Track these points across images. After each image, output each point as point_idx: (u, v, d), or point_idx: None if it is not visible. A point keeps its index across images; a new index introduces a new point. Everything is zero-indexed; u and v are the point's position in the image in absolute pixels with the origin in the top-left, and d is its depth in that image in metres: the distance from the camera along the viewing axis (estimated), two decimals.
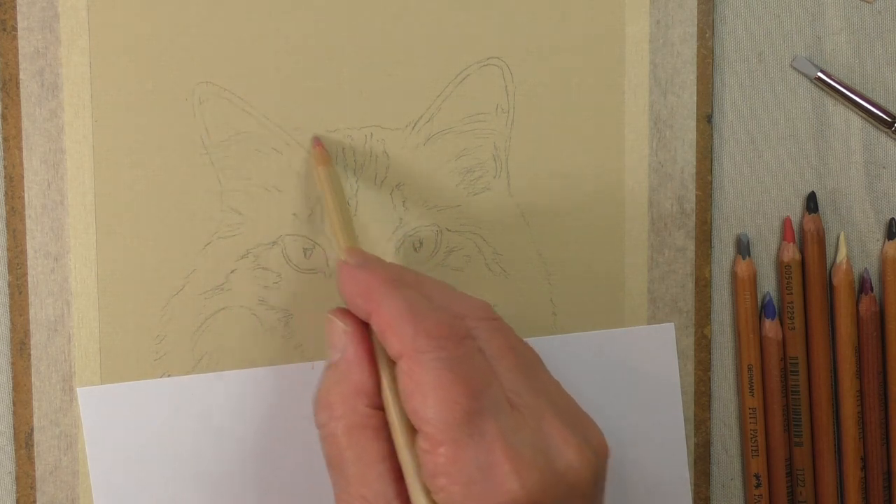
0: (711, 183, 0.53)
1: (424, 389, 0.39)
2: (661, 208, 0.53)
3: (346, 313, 0.43)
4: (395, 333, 0.41)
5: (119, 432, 0.49)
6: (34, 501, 0.49)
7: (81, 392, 0.49)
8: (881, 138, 0.55)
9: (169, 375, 0.50)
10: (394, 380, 0.41)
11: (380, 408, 0.42)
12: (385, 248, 0.51)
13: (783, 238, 0.54)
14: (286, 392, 0.50)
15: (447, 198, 0.51)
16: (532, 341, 0.51)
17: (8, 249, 0.48)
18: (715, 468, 0.55)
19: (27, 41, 0.48)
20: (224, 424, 0.50)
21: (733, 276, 0.54)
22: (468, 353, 0.41)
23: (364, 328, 0.43)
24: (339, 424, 0.42)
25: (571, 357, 0.52)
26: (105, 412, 0.49)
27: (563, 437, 0.41)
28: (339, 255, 0.45)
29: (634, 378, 0.53)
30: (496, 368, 0.42)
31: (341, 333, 0.43)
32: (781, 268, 0.54)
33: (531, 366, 0.43)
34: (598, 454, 0.42)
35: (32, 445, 0.49)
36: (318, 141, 0.49)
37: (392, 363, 0.41)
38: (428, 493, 0.40)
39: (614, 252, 0.53)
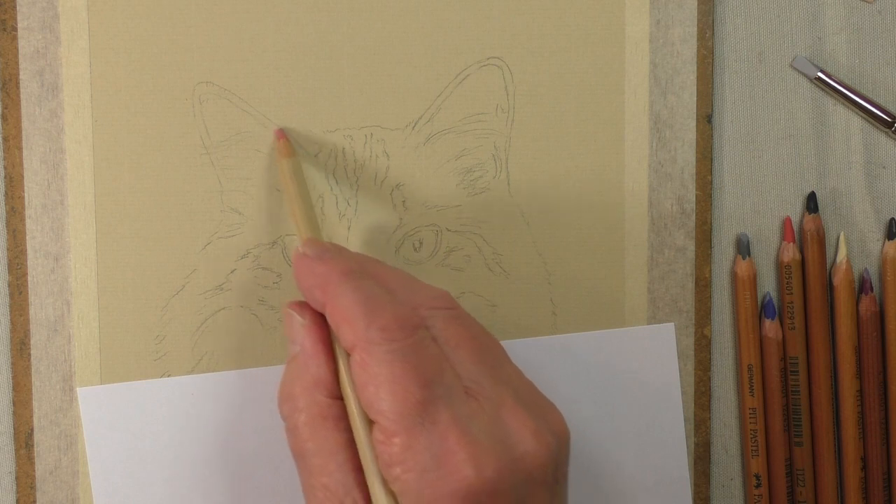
0: (711, 183, 0.53)
1: (377, 381, 0.40)
2: (661, 208, 0.53)
3: (304, 306, 0.44)
4: (349, 325, 0.41)
5: (119, 432, 0.49)
6: (34, 501, 0.49)
7: (81, 392, 0.49)
8: (881, 138, 0.55)
9: (169, 375, 0.50)
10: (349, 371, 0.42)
11: (339, 398, 0.42)
12: (385, 248, 0.51)
13: (783, 238, 0.54)
14: None
15: (447, 198, 0.51)
16: (532, 341, 0.51)
17: (8, 249, 0.48)
18: (715, 468, 0.55)
19: (27, 41, 0.48)
20: (224, 424, 0.50)
21: (733, 276, 0.54)
22: (420, 343, 0.41)
23: (322, 320, 0.43)
24: (301, 416, 0.42)
25: (571, 357, 0.52)
26: (105, 412, 0.49)
27: (522, 422, 0.41)
28: (297, 246, 0.45)
29: (634, 378, 0.53)
30: (454, 357, 0.42)
31: (299, 327, 0.43)
32: (781, 268, 0.54)
33: (491, 354, 0.43)
34: (558, 438, 0.42)
35: (32, 445, 0.49)
36: (281, 133, 0.49)
37: (348, 355, 0.42)
38: (385, 482, 0.40)
39: (614, 252, 0.53)
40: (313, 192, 0.50)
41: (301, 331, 0.43)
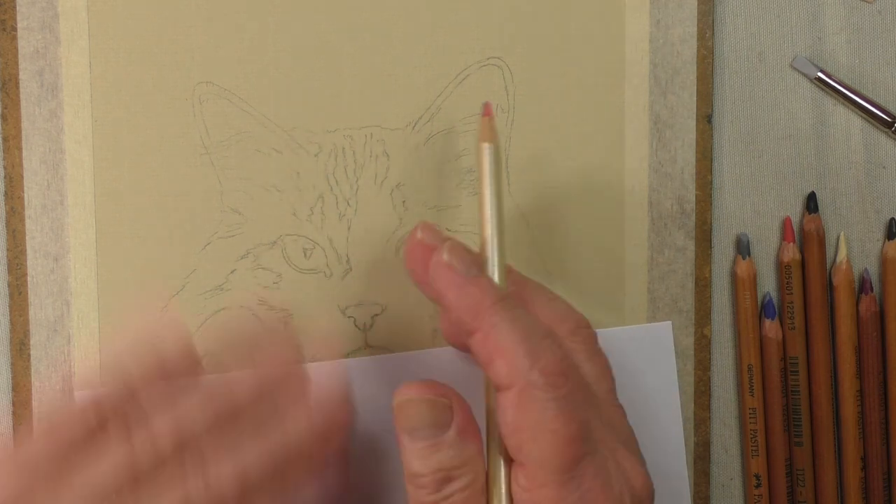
0: (711, 183, 0.53)
1: (536, 427, 0.38)
2: (661, 208, 0.53)
3: (441, 389, 0.41)
4: (508, 363, 0.39)
5: None
6: None
7: (79, 396, 0.49)
8: (881, 138, 0.55)
9: None
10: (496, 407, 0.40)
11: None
12: (385, 248, 0.51)
13: (783, 238, 0.54)
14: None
15: (447, 198, 0.51)
16: None
17: (8, 249, 0.48)
18: (715, 468, 0.55)
19: (27, 41, 0.48)
20: None
21: (733, 276, 0.54)
22: (576, 390, 0.39)
23: (458, 394, 0.41)
24: (475, 486, 0.40)
25: None
26: None
27: (632, 465, 0.41)
28: (441, 248, 0.41)
29: (633, 376, 0.53)
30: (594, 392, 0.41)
31: (444, 409, 0.41)
32: (781, 268, 0.54)
33: (613, 385, 0.43)
34: (650, 487, 0.42)
35: None
36: (489, 108, 0.44)
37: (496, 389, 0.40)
38: None
39: (614, 252, 0.53)
40: (313, 191, 0.50)
41: (448, 413, 0.41)
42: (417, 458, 0.40)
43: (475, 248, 0.51)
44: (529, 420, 0.38)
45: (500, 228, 0.43)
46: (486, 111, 0.44)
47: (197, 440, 0.39)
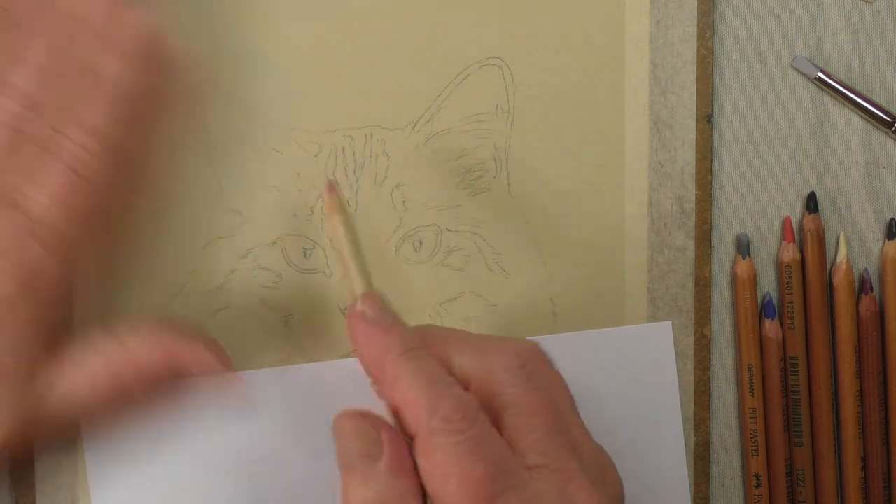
0: (711, 183, 0.53)
1: (444, 473, 0.39)
2: (661, 208, 0.53)
3: (372, 419, 0.41)
4: (411, 413, 0.40)
5: (116, 436, 0.49)
6: (34, 501, 0.49)
7: None
8: (881, 138, 0.55)
9: None
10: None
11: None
12: (385, 248, 0.51)
13: (783, 238, 0.54)
14: (285, 393, 0.50)
15: (447, 198, 0.51)
16: (530, 340, 0.51)
17: None
18: (715, 468, 0.55)
19: None
20: (223, 427, 0.50)
21: (733, 276, 0.54)
22: (483, 432, 0.40)
23: (392, 429, 0.41)
24: None
25: (568, 356, 0.52)
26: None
27: (586, 495, 0.40)
28: (353, 302, 0.43)
29: (632, 376, 0.53)
30: (526, 428, 0.41)
31: (373, 442, 0.41)
32: (781, 268, 0.54)
33: (562, 417, 0.42)
34: (616, 500, 0.42)
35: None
36: (332, 187, 0.46)
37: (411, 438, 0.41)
38: None
39: (614, 252, 0.53)
40: (313, 191, 0.50)
41: (377, 445, 0.41)
42: (349, 487, 0.40)
43: (475, 249, 0.51)
44: (437, 466, 0.39)
45: (362, 262, 0.44)
46: (330, 189, 0.45)
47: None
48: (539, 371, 0.43)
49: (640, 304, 0.53)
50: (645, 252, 0.53)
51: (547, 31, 0.51)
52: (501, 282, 0.52)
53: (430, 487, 0.40)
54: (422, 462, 0.40)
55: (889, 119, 0.54)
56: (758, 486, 0.54)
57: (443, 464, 0.39)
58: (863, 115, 0.54)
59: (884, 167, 0.55)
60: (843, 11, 0.54)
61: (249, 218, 0.50)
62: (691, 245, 0.53)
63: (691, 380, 0.54)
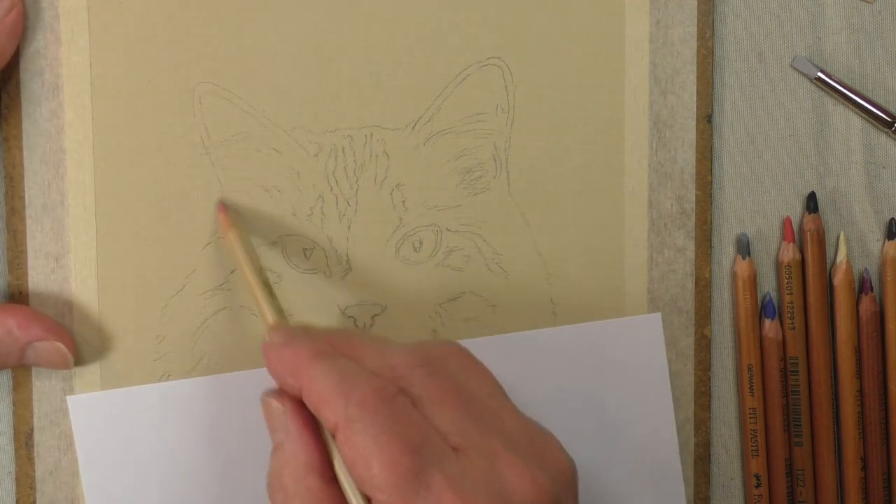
0: (711, 183, 0.53)
1: (365, 456, 0.39)
2: (661, 208, 0.53)
3: (282, 393, 0.43)
4: (327, 407, 0.41)
5: (111, 440, 0.49)
6: (34, 501, 0.49)
7: (71, 400, 0.49)
8: (881, 138, 0.55)
9: (169, 375, 0.50)
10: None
11: (332, 480, 0.42)
12: (385, 248, 0.51)
13: (783, 238, 0.54)
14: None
15: (447, 198, 0.51)
16: (518, 336, 0.51)
17: (8, 249, 0.48)
18: (715, 468, 0.55)
19: (27, 41, 0.48)
20: (219, 429, 0.50)
21: (733, 276, 0.54)
22: (401, 411, 0.40)
23: (302, 404, 0.43)
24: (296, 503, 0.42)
25: (559, 349, 0.52)
26: (96, 420, 0.49)
27: (517, 471, 0.40)
28: (263, 334, 0.44)
29: (623, 369, 0.53)
30: (438, 414, 0.41)
31: (280, 415, 0.43)
32: (781, 268, 0.54)
33: (477, 402, 0.43)
34: (557, 479, 0.42)
35: (32, 445, 0.49)
36: (222, 206, 0.49)
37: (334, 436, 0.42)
38: None
39: (614, 252, 0.53)
40: (313, 191, 0.50)
41: (282, 418, 0.43)
42: (270, 459, 0.43)
43: (475, 249, 0.51)
44: (358, 451, 0.40)
45: (268, 293, 0.46)
46: (221, 209, 0.49)
47: None
48: (441, 370, 0.43)
49: (640, 304, 0.53)
50: (645, 252, 0.53)
51: (547, 31, 0.51)
52: (501, 282, 0.52)
53: (356, 476, 0.40)
54: (345, 452, 0.40)
55: (889, 119, 0.54)
56: (758, 486, 0.54)
57: (363, 447, 0.39)
58: (863, 115, 0.54)
59: (884, 167, 0.55)
60: (843, 11, 0.54)
61: (249, 218, 0.50)
62: (691, 245, 0.53)
63: (691, 380, 0.54)
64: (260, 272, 0.47)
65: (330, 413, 0.41)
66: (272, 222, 0.50)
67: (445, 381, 0.42)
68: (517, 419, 0.43)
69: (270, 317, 0.45)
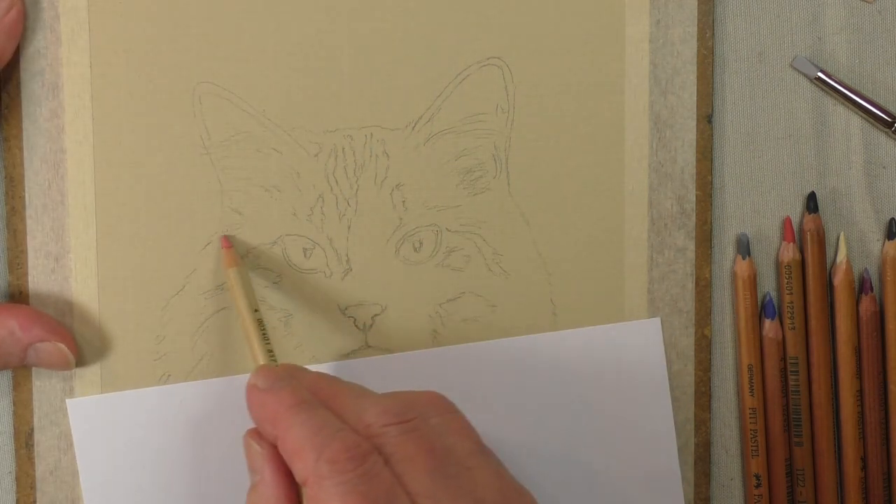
0: (711, 183, 0.53)
1: None
2: (661, 208, 0.53)
3: (262, 435, 0.44)
4: (299, 460, 0.41)
5: (110, 443, 0.49)
6: (34, 501, 0.49)
7: (70, 404, 0.49)
8: (881, 138, 0.55)
9: (169, 375, 0.50)
10: None
11: None
12: (385, 248, 0.51)
13: (783, 238, 0.54)
14: None
15: (447, 198, 0.51)
16: (517, 340, 0.51)
17: (8, 249, 0.48)
18: (715, 468, 0.55)
19: (27, 41, 0.48)
20: (218, 432, 0.50)
21: (733, 276, 0.54)
22: (370, 472, 0.40)
23: (278, 450, 0.43)
24: None
25: (559, 353, 0.52)
26: (95, 423, 0.49)
27: None
28: (250, 375, 0.45)
29: (623, 373, 0.53)
30: (409, 474, 0.41)
31: (257, 456, 0.43)
32: (781, 268, 0.54)
33: (453, 461, 0.42)
34: None
35: (32, 445, 0.49)
36: (226, 241, 0.49)
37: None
38: None
39: (614, 252, 0.53)
40: (313, 191, 0.50)
41: (260, 460, 0.43)
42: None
43: (475, 249, 0.51)
44: None
45: (261, 333, 0.47)
46: (224, 244, 0.49)
47: None
48: (428, 419, 0.43)
49: (640, 304, 0.53)
50: (645, 252, 0.53)
51: (547, 31, 0.51)
52: (501, 282, 0.52)
53: None
54: None
55: (889, 119, 0.54)
56: (758, 486, 0.54)
57: None
58: (863, 115, 0.54)
59: (884, 167, 0.55)
60: (843, 11, 0.54)
61: (249, 218, 0.50)
62: (691, 245, 0.53)
63: (691, 380, 0.54)
64: (255, 312, 0.47)
65: (301, 466, 0.41)
66: (272, 222, 0.50)
67: (421, 440, 0.42)
68: (493, 479, 0.43)
69: (259, 358, 0.46)
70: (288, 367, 0.46)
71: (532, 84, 0.51)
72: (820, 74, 0.53)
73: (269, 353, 0.46)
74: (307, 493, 0.41)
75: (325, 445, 0.41)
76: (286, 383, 0.44)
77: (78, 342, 0.49)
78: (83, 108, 0.48)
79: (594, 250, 0.52)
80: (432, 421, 0.43)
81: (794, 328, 0.54)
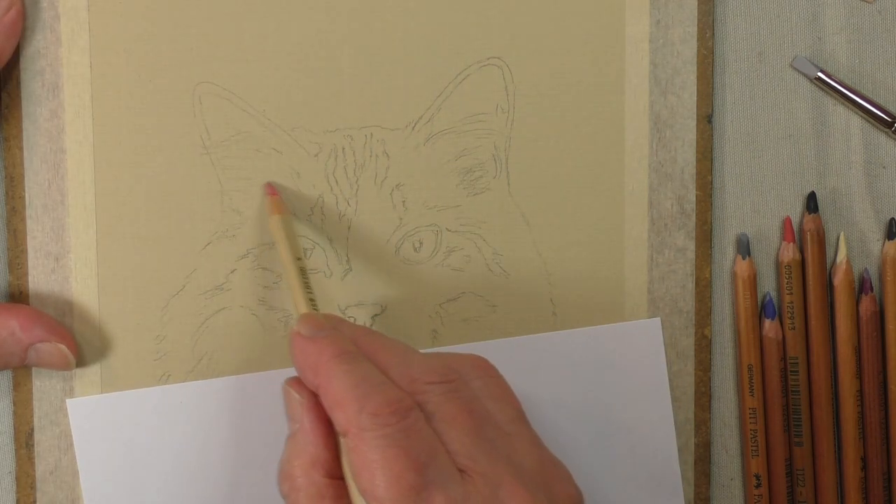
0: (711, 183, 0.53)
1: (371, 467, 0.40)
2: (661, 208, 0.53)
3: (301, 384, 0.43)
4: (341, 410, 0.41)
5: (110, 443, 0.49)
6: (34, 501, 0.49)
7: (70, 404, 0.49)
8: (881, 138, 0.55)
9: (169, 375, 0.50)
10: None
11: (339, 477, 0.42)
12: (385, 248, 0.51)
13: (783, 238, 0.54)
14: (280, 397, 0.50)
15: (447, 198, 0.51)
16: (518, 340, 0.51)
17: (8, 249, 0.48)
18: (715, 468, 0.55)
19: (27, 41, 0.48)
20: (217, 433, 0.50)
21: (733, 276, 0.54)
22: (412, 427, 0.40)
23: (319, 399, 0.43)
24: (300, 495, 0.42)
25: (559, 353, 0.52)
26: (96, 423, 0.49)
27: (520, 501, 0.40)
28: (294, 322, 0.44)
29: (623, 373, 0.53)
30: (449, 434, 0.41)
31: (297, 405, 0.43)
32: (781, 268, 0.54)
33: (492, 426, 0.42)
34: None
35: (32, 445, 0.49)
36: (271, 187, 0.49)
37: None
38: None
39: (614, 252, 0.53)
40: (313, 191, 0.50)
41: (299, 409, 0.43)
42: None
43: (475, 249, 0.51)
44: (365, 461, 0.40)
45: (303, 281, 0.46)
46: (270, 191, 0.49)
47: None
48: (470, 383, 0.43)
49: (640, 304, 0.53)
50: (645, 252, 0.53)
51: (547, 32, 0.51)
52: (501, 282, 0.52)
53: (359, 483, 0.40)
54: (352, 458, 0.40)
55: (889, 119, 0.54)
56: (758, 486, 0.54)
57: (369, 457, 0.40)
58: (863, 115, 0.54)
59: (884, 167, 0.55)
60: (843, 11, 0.54)
61: (249, 218, 0.50)
62: (691, 245, 0.53)
63: (691, 381, 0.54)
64: (298, 260, 0.47)
65: (342, 417, 0.41)
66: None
67: (462, 402, 0.42)
68: (531, 447, 0.43)
69: (302, 306, 0.45)
70: (331, 316, 0.45)
71: (532, 84, 0.51)
72: (820, 74, 0.53)
73: (311, 301, 0.45)
74: (347, 444, 0.40)
75: (368, 397, 0.40)
76: (329, 332, 0.43)
77: (78, 342, 0.49)
78: (83, 108, 0.48)
79: (594, 250, 0.52)
80: (474, 384, 0.43)
81: (794, 328, 0.54)
